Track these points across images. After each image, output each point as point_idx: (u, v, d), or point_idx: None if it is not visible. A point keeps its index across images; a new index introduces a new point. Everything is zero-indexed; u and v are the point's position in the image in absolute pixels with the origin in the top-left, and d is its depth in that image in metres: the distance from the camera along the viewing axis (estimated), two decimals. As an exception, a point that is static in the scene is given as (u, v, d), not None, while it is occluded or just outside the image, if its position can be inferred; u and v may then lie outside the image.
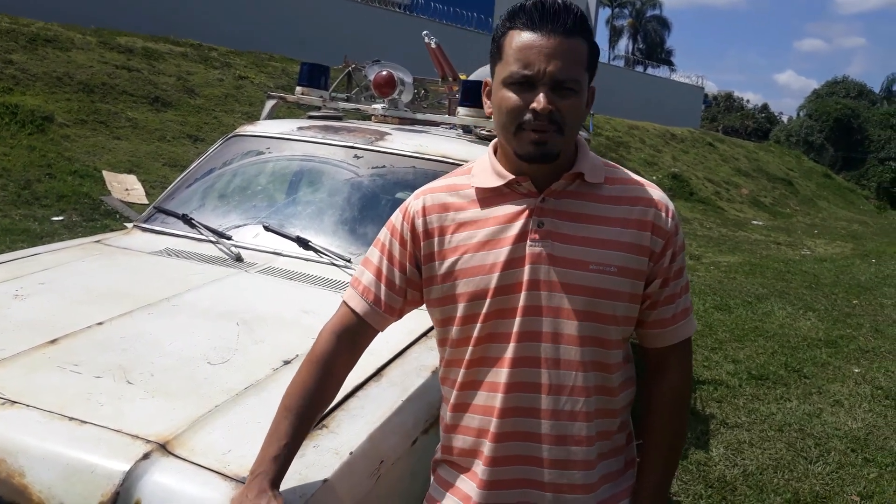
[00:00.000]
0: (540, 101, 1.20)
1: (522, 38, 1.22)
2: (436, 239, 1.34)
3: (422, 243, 1.35)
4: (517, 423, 1.30)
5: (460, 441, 1.37)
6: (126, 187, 8.43)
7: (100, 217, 7.53)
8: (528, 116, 1.21)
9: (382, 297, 1.38)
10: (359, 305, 1.39)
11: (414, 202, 1.39)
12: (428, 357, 1.91)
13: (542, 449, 1.30)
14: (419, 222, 1.35)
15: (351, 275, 2.35)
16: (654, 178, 18.12)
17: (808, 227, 18.13)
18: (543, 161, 1.26)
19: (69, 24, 12.21)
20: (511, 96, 1.23)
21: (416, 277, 1.37)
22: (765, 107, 49.27)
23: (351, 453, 1.46)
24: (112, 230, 7.00)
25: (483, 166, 1.36)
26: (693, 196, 18.20)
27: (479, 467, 1.34)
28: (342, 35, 17.56)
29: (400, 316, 1.42)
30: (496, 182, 1.32)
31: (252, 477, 1.25)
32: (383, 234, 1.42)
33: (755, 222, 17.56)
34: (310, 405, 1.33)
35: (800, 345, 6.14)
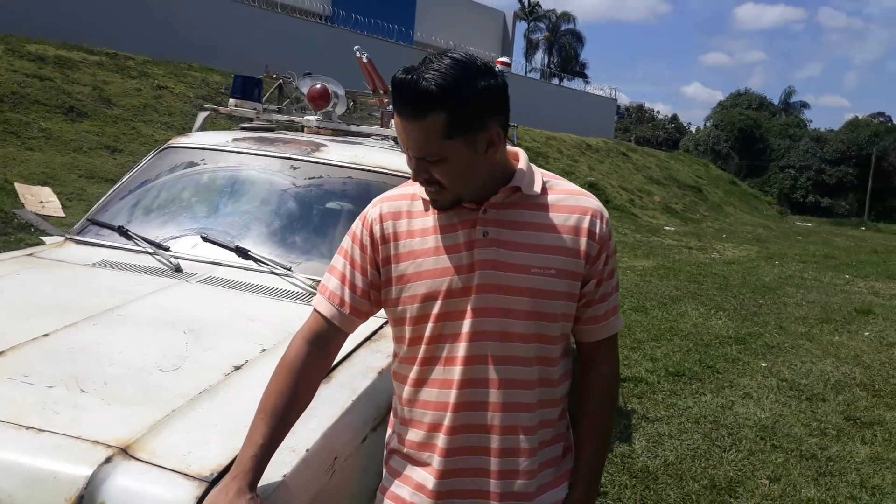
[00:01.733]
0: (413, 174, 1.36)
1: (395, 118, 1.34)
2: (391, 244, 1.44)
3: (380, 247, 1.45)
4: (469, 417, 1.41)
5: (414, 434, 1.47)
6: (40, 200, 8.12)
7: (13, 231, 7.24)
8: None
9: (348, 300, 1.47)
10: (327, 310, 1.48)
11: (372, 210, 1.49)
12: (373, 359, 2.00)
13: (492, 439, 1.41)
14: (377, 228, 1.46)
15: (292, 283, 2.43)
16: (573, 186, 18.62)
17: (717, 232, 19.06)
18: (441, 210, 1.41)
19: (-28, 30, 11.67)
20: (406, 159, 1.37)
21: (377, 280, 1.47)
22: (674, 117, 51.39)
23: (307, 450, 1.53)
24: (27, 244, 6.76)
25: None
26: (609, 204, 18.83)
27: (434, 459, 1.44)
28: (263, 45, 17.37)
29: (366, 318, 1.51)
30: None
31: (230, 478, 1.31)
32: (346, 242, 1.51)
33: (667, 228, 18.32)
34: (284, 408, 1.39)
35: (712, 342, 6.50)
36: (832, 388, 5.48)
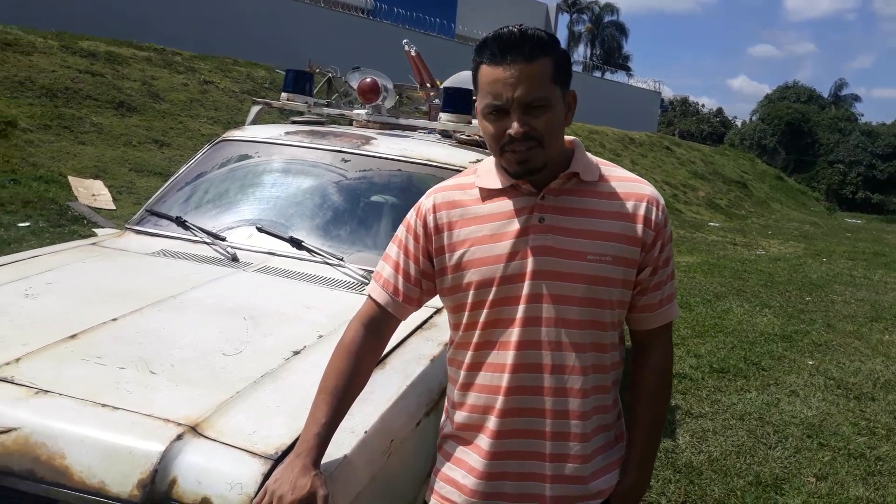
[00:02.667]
0: (514, 127, 1.35)
1: (489, 72, 1.36)
2: (445, 233, 1.48)
3: (433, 237, 1.49)
4: (521, 401, 1.44)
5: (467, 417, 1.51)
6: (92, 193, 8.37)
7: (67, 223, 7.48)
8: (506, 140, 1.37)
9: (401, 287, 1.52)
10: (380, 296, 1.53)
11: (425, 200, 1.53)
12: (425, 347, 2.05)
13: (545, 423, 1.44)
14: (430, 218, 1.50)
15: (344, 273, 2.49)
16: (615, 181, 18.45)
17: (763, 228, 18.71)
18: (529, 175, 1.42)
19: (29, 27, 12.04)
20: (489, 126, 1.39)
21: (429, 269, 1.51)
22: (719, 111, 50.52)
23: (365, 432, 1.59)
24: (81, 236, 6.98)
25: (488, 168, 1.51)
26: (652, 198, 18.61)
27: (484, 440, 1.47)
28: (306, 40, 17.61)
29: (418, 306, 1.56)
30: (499, 184, 1.47)
31: (295, 456, 1.37)
32: (400, 231, 1.56)
33: (712, 224, 18.05)
34: (345, 388, 1.46)
35: (757, 340, 6.42)
36: (882, 387, 5.37)
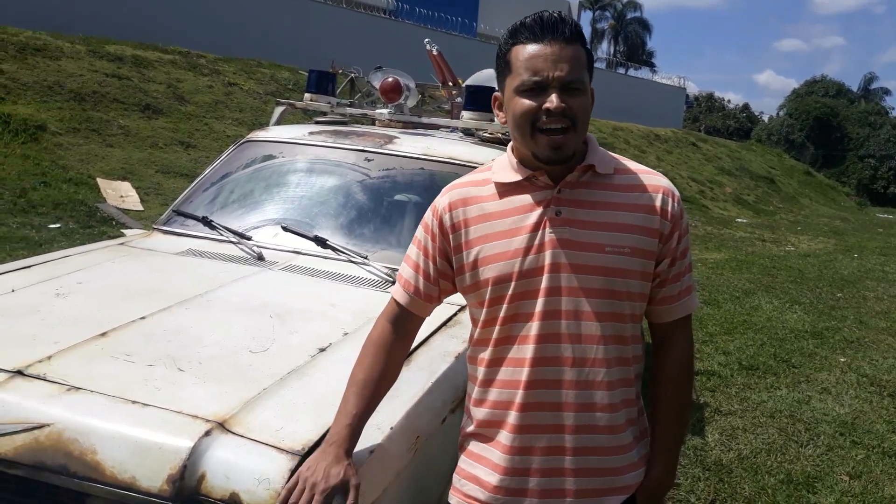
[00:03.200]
0: (553, 100, 1.34)
1: (528, 49, 1.36)
2: (462, 231, 1.48)
3: (450, 236, 1.49)
4: (542, 395, 1.43)
5: (487, 414, 1.50)
6: (121, 194, 8.50)
7: (96, 224, 7.59)
8: (542, 117, 1.35)
9: (421, 287, 1.53)
10: (402, 297, 1.55)
11: (441, 199, 1.53)
12: (450, 344, 2.04)
13: (566, 416, 1.43)
14: (446, 217, 1.50)
15: (368, 271, 2.50)
16: (640, 178, 18.33)
17: (792, 224, 18.45)
18: (560, 163, 1.40)
19: (57, 32, 12.25)
20: (525, 101, 1.37)
21: (446, 269, 1.51)
22: (746, 106, 49.89)
23: (391, 428, 1.59)
24: (110, 236, 7.09)
25: (502, 163, 1.50)
26: (678, 195, 18.45)
27: (505, 436, 1.46)
28: (328, 41, 17.71)
29: (439, 302, 1.57)
30: (515, 177, 1.46)
31: (327, 445, 1.39)
32: (419, 232, 1.56)
33: (739, 220, 17.84)
34: (375, 381, 1.48)
35: (787, 336, 6.33)
36: (916, 384, 5.27)
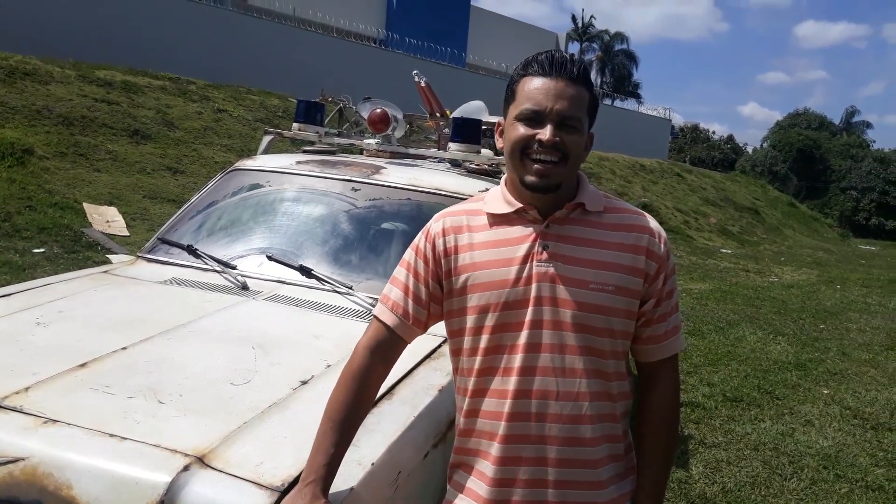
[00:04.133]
0: (547, 132, 1.38)
1: (534, 82, 1.41)
2: (453, 257, 1.50)
3: (442, 260, 1.51)
4: (524, 427, 1.44)
5: (472, 443, 1.51)
6: (107, 219, 8.45)
7: (81, 249, 7.54)
8: (534, 146, 1.40)
9: (410, 310, 1.53)
10: (389, 319, 1.53)
11: (435, 224, 1.55)
12: (434, 377, 2.04)
13: (549, 450, 1.43)
14: (440, 242, 1.51)
15: (353, 301, 2.50)
16: (626, 207, 18.45)
17: (775, 255, 18.60)
18: (545, 191, 1.43)
19: (47, 57, 12.26)
20: (521, 129, 1.42)
21: (438, 292, 1.52)
22: (730, 138, 50.48)
23: (372, 464, 1.58)
24: (94, 262, 7.04)
25: (495, 195, 1.53)
26: (663, 225, 18.38)
27: (488, 467, 1.47)
28: (318, 69, 17.82)
29: (425, 329, 1.57)
30: (506, 209, 1.49)
31: (304, 484, 1.37)
32: (408, 255, 1.57)
33: (724, 250, 17.97)
34: (351, 416, 1.46)
35: (771, 368, 6.35)
36: (899, 417, 5.29)
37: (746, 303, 9.81)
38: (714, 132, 52.03)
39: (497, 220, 1.49)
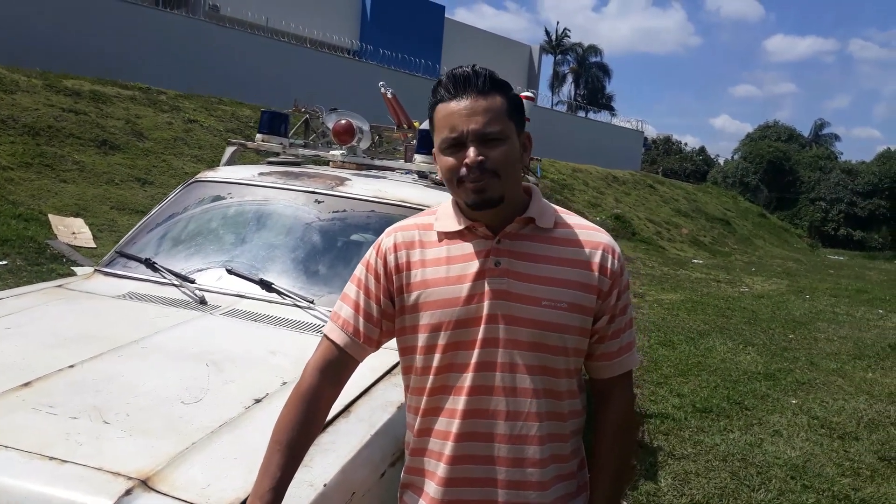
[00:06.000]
0: (469, 155, 1.35)
1: (446, 107, 1.38)
2: (404, 273, 1.46)
3: (393, 276, 1.47)
4: (472, 447, 1.41)
5: (421, 463, 1.48)
6: (73, 231, 8.30)
7: (46, 261, 7.39)
8: (463, 171, 1.37)
9: (361, 328, 1.48)
10: (339, 338, 1.48)
11: (386, 239, 1.51)
12: (393, 393, 2.00)
13: (498, 471, 1.40)
14: (391, 258, 1.47)
15: (315, 316, 2.45)
16: (598, 218, 18.60)
17: (746, 265, 18.83)
18: (487, 206, 1.39)
19: (13, 66, 12.06)
20: (448, 159, 1.39)
21: (390, 309, 1.48)
22: (702, 149, 51.18)
23: (325, 485, 1.53)
24: (59, 274, 6.89)
25: (446, 211, 1.50)
26: (635, 236, 18.73)
27: (433, 488, 1.44)
28: (291, 80, 17.75)
29: (377, 347, 1.52)
30: (456, 226, 1.45)
31: None
32: (359, 270, 1.52)
33: (695, 261, 18.14)
34: (299, 438, 1.40)
35: (741, 378, 6.39)
36: (865, 426, 5.34)
37: (717, 313, 9.89)
38: (686, 144, 52.74)
39: (448, 236, 1.46)
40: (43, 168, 9.57)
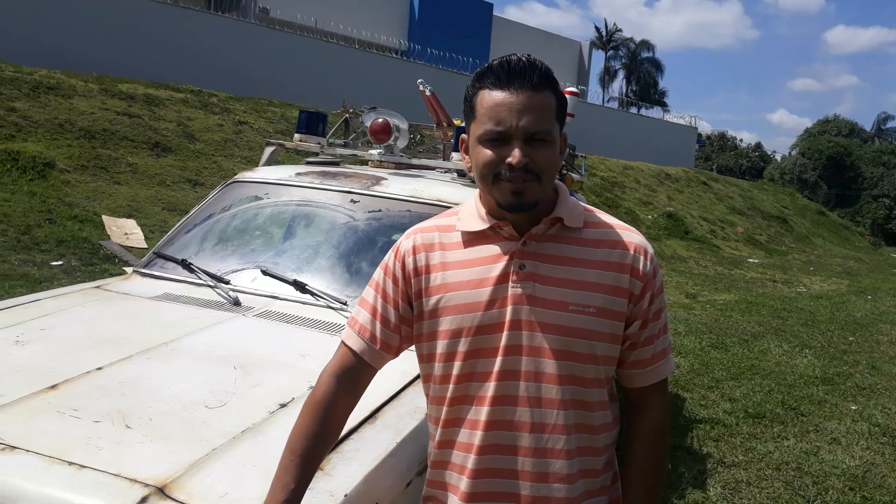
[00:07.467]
0: (515, 155, 1.26)
1: (493, 96, 1.27)
2: (423, 276, 1.39)
3: (412, 280, 1.40)
4: (496, 461, 1.33)
5: (444, 476, 1.41)
6: (125, 232, 8.49)
7: (99, 262, 7.57)
8: (504, 170, 1.27)
9: (378, 334, 1.42)
10: (356, 344, 1.43)
11: (405, 241, 1.44)
12: (422, 399, 1.92)
13: (522, 486, 1.33)
14: (409, 261, 1.41)
15: (346, 317, 2.40)
16: (650, 217, 18.26)
17: (804, 265, 18.22)
18: (522, 210, 1.31)
19: (71, 71, 12.43)
20: (487, 152, 1.28)
21: (409, 314, 1.41)
22: (758, 145, 49.82)
23: (346, 496, 1.48)
24: (111, 275, 7.04)
25: (469, 210, 1.42)
26: (688, 235, 18.31)
27: (455, 501, 1.37)
28: (340, 80, 17.89)
29: (396, 354, 1.46)
30: (480, 226, 1.37)
31: None
32: (377, 274, 1.46)
33: (751, 260, 17.64)
34: (314, 448, 1.35)
35: (796, 382, 6.14)
36: (931, 434, 5.07)
37: (772, 314, 9.57)
38: (742, 140, 51.50)
39: (471, 237, 1.38)
40: (98, 170, 9.82)
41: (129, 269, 2.97)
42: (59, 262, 7.36)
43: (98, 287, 2.71)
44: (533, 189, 1.29)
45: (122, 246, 8.13)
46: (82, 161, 9.83)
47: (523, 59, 1.28)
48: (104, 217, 8.65)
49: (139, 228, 8.69)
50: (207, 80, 14.92)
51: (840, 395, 5.90)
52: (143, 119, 11.66)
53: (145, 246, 8.32)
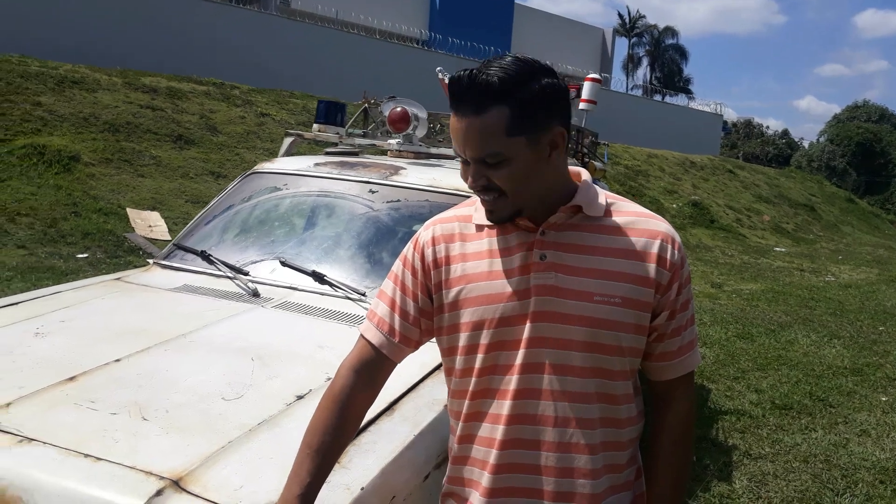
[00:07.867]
0: (469, 179, 1.26)
1: (452, 120, 1.25)
2: (443, 268, 1.36)
3: (432, 272, 1.37)
4: (518, 455, 1.30)
5: (465, 472, 1.38)
6: (149, 224, 8.57)
7: (123, 254, 7.65)
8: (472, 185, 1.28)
9: (397, 327, 1.39)
10: (374, 337, 1.40)
11: (424, 233, 1.42)
12: (441, 391, 1.90)
13: (545, 481, 1.30)
14: (429, 252, 1.38)
15: (366, 308, 2.39)
16: (675, 205, 18.06)
17: (832, 253, 17.92)
18: (499, 223, 1.31)
19: (95, 66, 12.54)
20: (463, 170, 1.29)
21: (428, 307, 1.39)
22: (785, 132, 49.07)
23: (362, 489, 1.46)
24: (135, 266, 7.10)
25: None
26: (714, 223, 18.09)
27: (477, 498, 1.34)
28: (361, 71, 17.89)
29: (416, 347, 1.43)
30: None
31: None
32: (397, 266, 1.44)
33: (778, 249, 17.38)
34: (331, 442, 1.32)
35: (825, 373, 6.04)
36: (965, 426, 4.95)
37: (800, 304, 9.42)
38: (768, 127, 50.69)
39: (489, 228, 1.35)
40: (122, 163, 9.91)
41: (151, 261, 2.99)
42: (85, 255, 7.44)
43: (118, 279, 2.72)
44: (501, 204, 1.27)
45: (146, 238, 8.20)
46: (107, 154, 9.92)
47: (465, 77, 1.21)
48: (128, 210, 8.73)
49: (163, 221, 8.76)
50: (229, 72, 14.99)
51: (870, 385, 5.79)
52: (166, 112, 11.75)
53: (169, 238, 8.39)
